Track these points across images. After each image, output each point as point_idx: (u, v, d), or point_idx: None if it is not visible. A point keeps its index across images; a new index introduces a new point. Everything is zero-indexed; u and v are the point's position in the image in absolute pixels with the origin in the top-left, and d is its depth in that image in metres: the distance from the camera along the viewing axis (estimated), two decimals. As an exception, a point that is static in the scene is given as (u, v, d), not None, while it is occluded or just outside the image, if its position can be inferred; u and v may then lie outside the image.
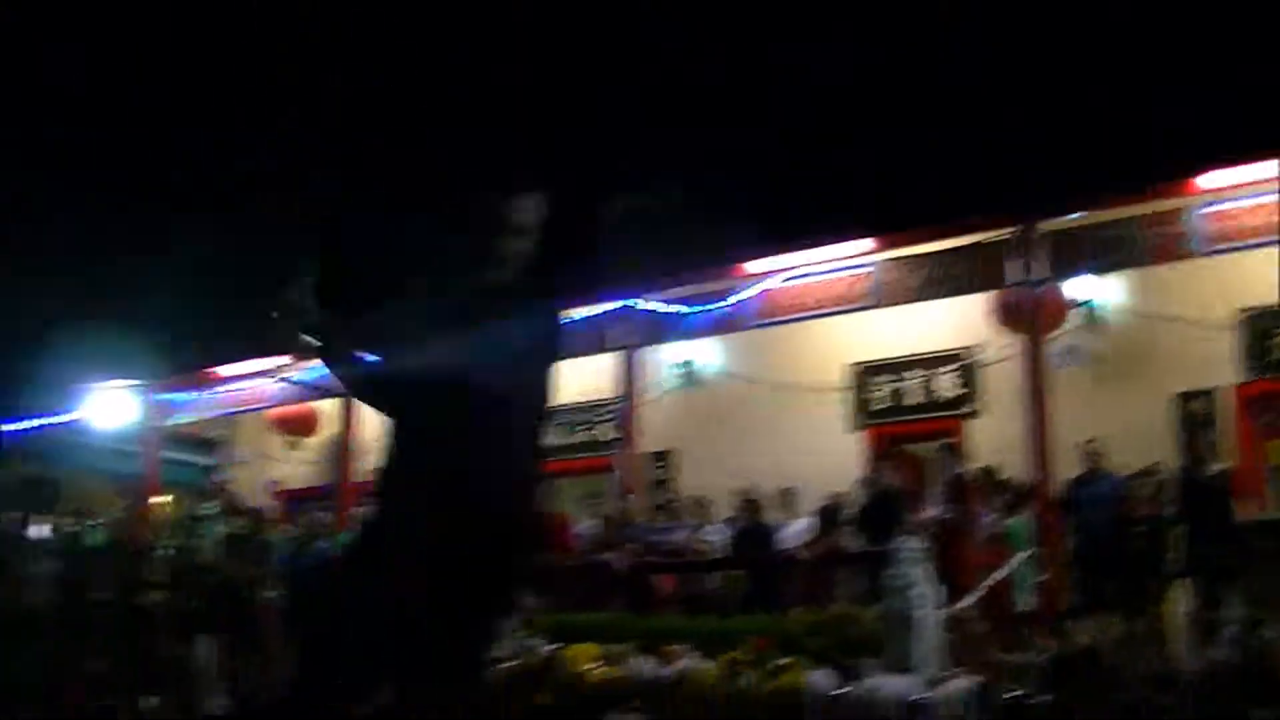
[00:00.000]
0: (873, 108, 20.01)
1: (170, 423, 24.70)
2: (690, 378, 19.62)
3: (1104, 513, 13.90)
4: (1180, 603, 12.89)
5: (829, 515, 15.21)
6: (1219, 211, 14.29)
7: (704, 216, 18.47)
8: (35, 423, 24.72)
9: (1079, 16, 17.42)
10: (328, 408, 22.58)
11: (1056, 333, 15.99)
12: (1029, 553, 13.93)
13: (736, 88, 21.54)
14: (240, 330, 23.02)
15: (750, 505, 15.94)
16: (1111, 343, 16.24)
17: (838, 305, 16.89)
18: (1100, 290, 16.16)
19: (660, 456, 19.72)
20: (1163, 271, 15.07)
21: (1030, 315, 15.18)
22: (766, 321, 17.54)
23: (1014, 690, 10.36)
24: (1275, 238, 13.10)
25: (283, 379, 22.28)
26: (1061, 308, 15.96)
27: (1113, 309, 16.28)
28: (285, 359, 21.64)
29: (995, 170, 15.90)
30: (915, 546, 12.51)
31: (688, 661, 12.60)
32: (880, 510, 14.51)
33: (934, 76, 19.42)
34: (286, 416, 23.66)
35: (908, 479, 15.46)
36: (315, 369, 21.77)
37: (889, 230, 16.10)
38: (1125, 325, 16.19)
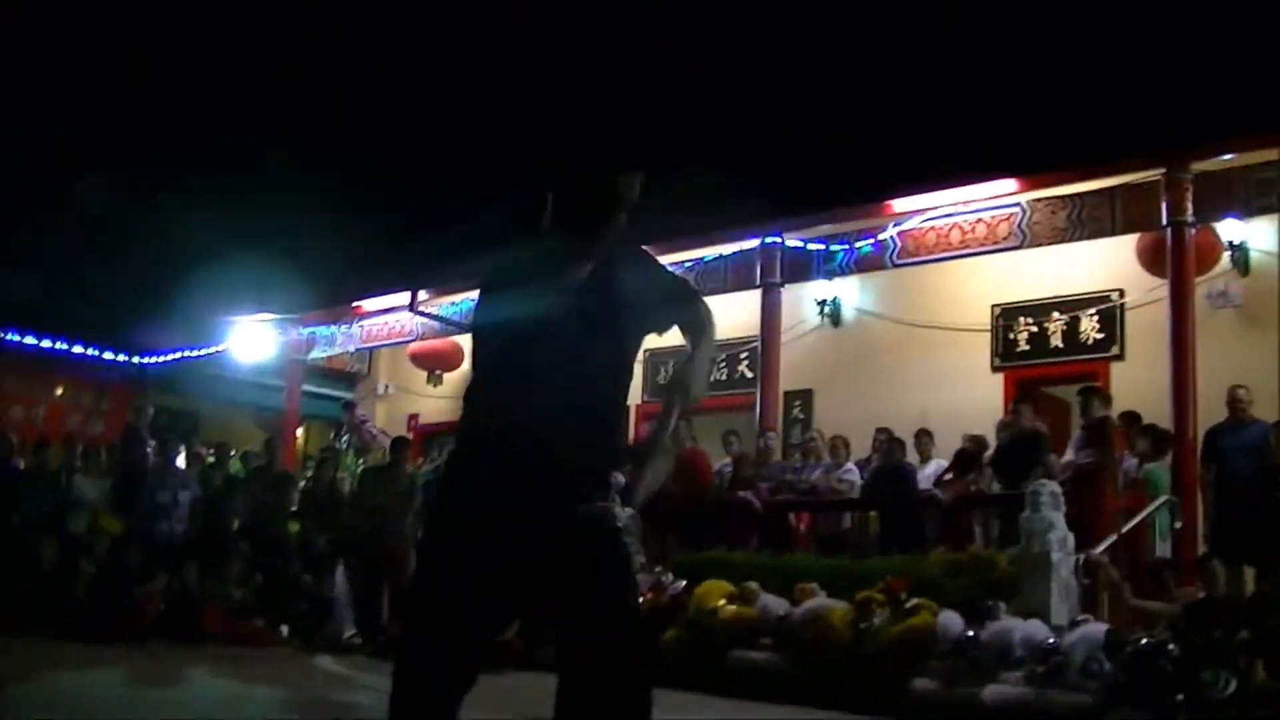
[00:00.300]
0: (1023, 46, 19.72)
1: (311, 356, 25.00)
2: (832, 317, 19.51)
3: (1247, 461, 13.62)
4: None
5: (968, 457, 15.06)
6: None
7: (852, 156, 18.38)
8: (178, 355, 25.10)
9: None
10: (468, 343, 22.78)
11: (1205, 276, 15.71)
12: (1167, 499, 13.74)
13: (877, 29, 21.33)
14: (385, 264, 23.24)
15: (889, 445, 15.83)
16: (1260, 287, 15.89)
17: (982, 246, 16.68)
18: (1250, 234, 15.82)
19: (799, 395, 19.67)
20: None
21: (1178, 257, 14.91)
22: (910, 261, 17.38)
23: (1147, 636, 10.19)
24: None
25: (424, 313, 22.45)
26: (1212, 250, 15.68)
27: (1262, 253, 15.91)
28: (426, 293, 21.84)
29: (1144, 110, 15.59)
30: (1053, 490, 12.37)
31: (818, 601, 12.54)
32: (1019, 453, 14.34)
33: (1081, 14, 19.10)
34: (426, 351, 23.84)
35: (1048, 422, 15.28)
36: (456, 304, 21.99)
37: (1035, 170, 15.86)
38: (1274, 270, 15.83)
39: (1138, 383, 15.96)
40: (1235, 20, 16.62)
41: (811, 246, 18.05)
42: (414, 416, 25.61)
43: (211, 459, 19.73)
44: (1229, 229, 15.66)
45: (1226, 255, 15.88)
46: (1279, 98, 13.54)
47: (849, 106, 21.56)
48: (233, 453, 19.77)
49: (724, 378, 20.81)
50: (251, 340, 24.54)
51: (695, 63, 24.22)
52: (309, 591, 16.54)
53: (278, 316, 24.34)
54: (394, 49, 26.53)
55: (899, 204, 16.91)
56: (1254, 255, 15.89)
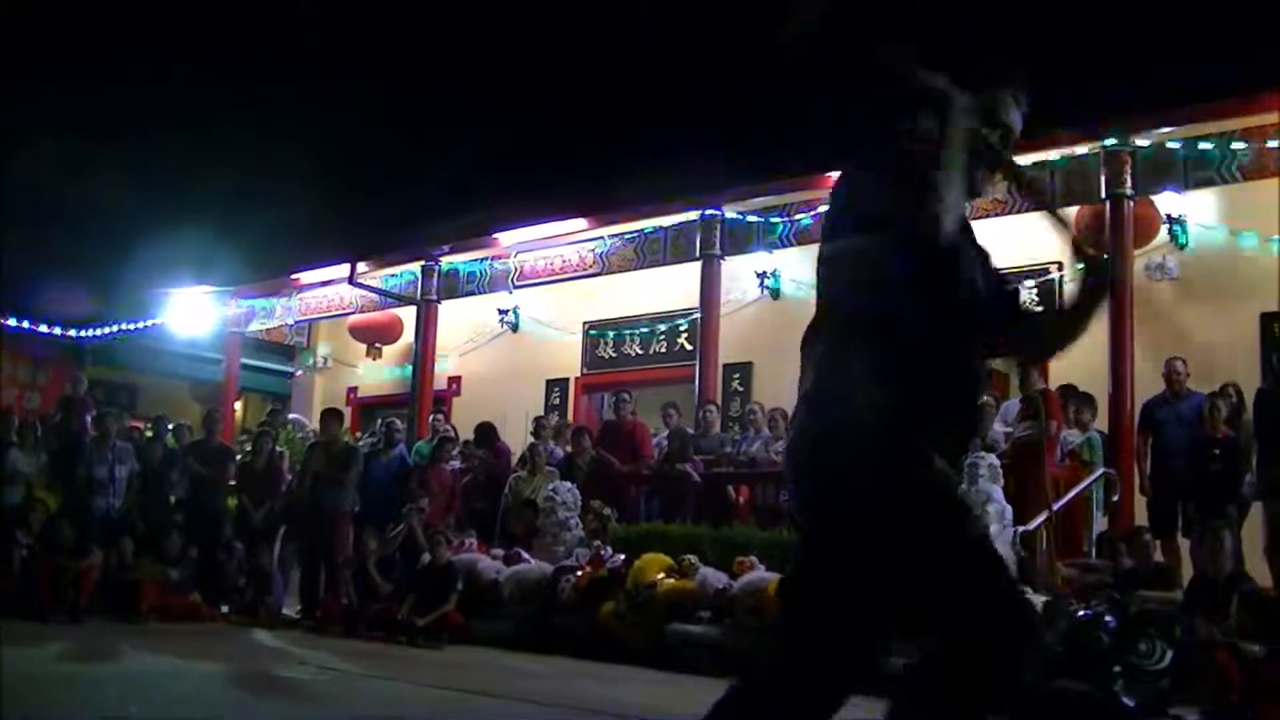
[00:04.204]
0: (963, 16, 19.71)
1: (250, 329, 24.91)
2: (771, 289, 19.51)
3: (1183, 434, 13.72)
4: (1257, 526, 12.71)
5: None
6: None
7: (791, 126, 18.35)
8: (115, 327, 24.93)
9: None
10: (408, 316, 22.76)
11: (1144, 249, 15.78)
12: (1104, 471, 13.80)
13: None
14: (325, 235, 23.14)
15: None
16: (1198, 260, 15.97)
17: (920, 218, 16.66)
18: (1188, 207, 15.89)
19: (738, 368, 19.67)
20: (1253, 189, 14.77)
21: (1117, 230, 14.97)
22: (851, 233, 17.34)
23: (1084, 608, 10.24)
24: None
25: (363, 286, 22.40)
26: (1151, 223, 15.75)
27: (1200, 226, 15.97)
28: (366, 266, 21.79)
29: (1085, 83, 15.63)
30: (991, 463, 12.41)
31: (757, 574, 12.56)
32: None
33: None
34: (366, 324, 23.78)
35: (986, 393, 15.29)
36: (396, 276, 21.94)
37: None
38: (1212, 243, 15.91)
39: (1076, 355, 15.95)
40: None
41: (751, 219, 18.07)
42: (353, 389, 25.58)
43: (149, 433, 19.60)
44: (1167, 202, 15.73)
45: (1165, 228, 15.95)
46: (1217, 72, 13.59)
47: (788, 75, 21.55)
48: (170, 426, 19.61)
49: (663, 350, 20.86)
50: (189, 313, 24.42)
51: (637, 29, 24.17)
52: (247, 566, 16.47)
53: (215, 289, 24.21)
54: (338, 14, 26.35)
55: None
56: (1192, 228, 15.96)
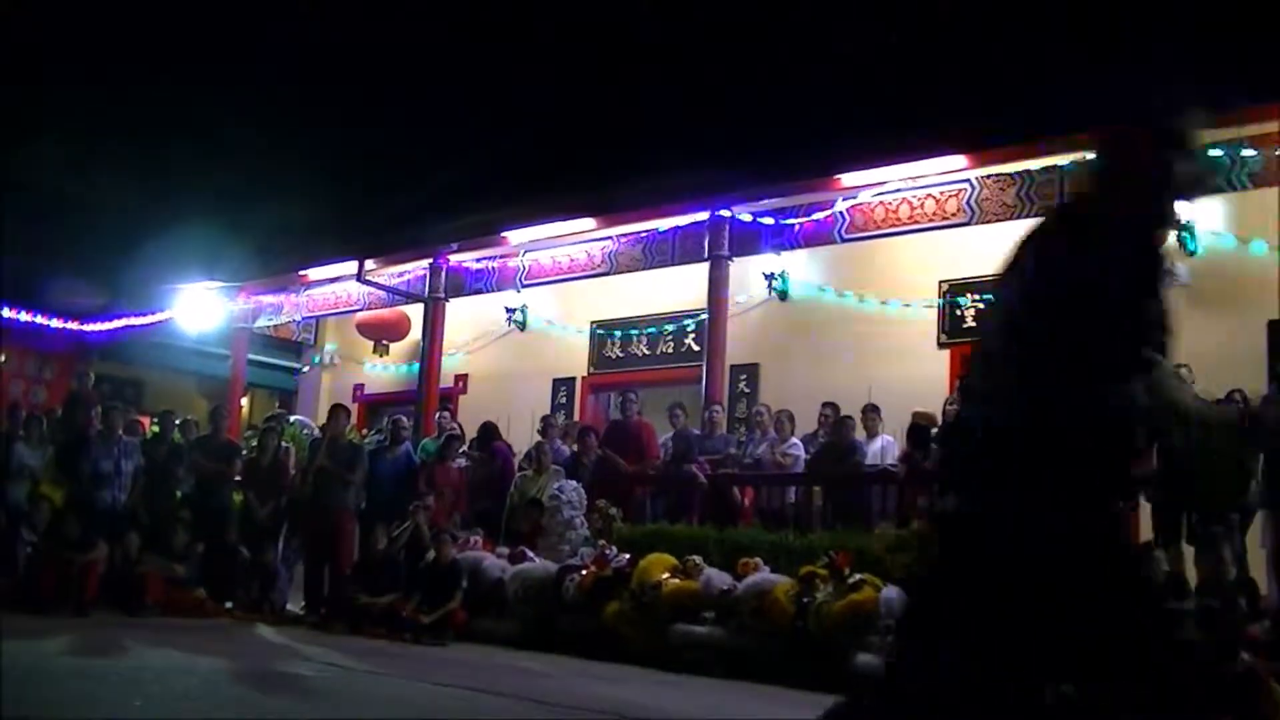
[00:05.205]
0: (973, 22, 19.70)
1: (257, 325, 24.89)
2: (779, 291, 19.48)
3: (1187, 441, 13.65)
4: (1260, 535, 12.67)
5: (918, 434, 15.02)
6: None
7: (800, 129, 18.32)
8: (122, 323, 24.90)
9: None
10: (415, 313, 22.75)
11: (1152, 255, 15.70)
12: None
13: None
14: (333, 232, 23.12)
15: (838, 421, 15.81)
16: (1207, 267, 15.91)
17: (930, 222, 16.68)
18: (1196, 214, 15.84)
19: (745, 369, 19.64)
20: (1262, 197, 14.73)
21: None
22: (858, 236, 17.37)
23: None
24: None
25: (370, 283, 22.38)
26: (1160, 230, 15.66)
27: (1209, 233, 15.92)
28: (373, 263, 21.75)
29: (1094, 87, 15.58)
30: (997, 466, 12.35)
31: (762, 575, 12.55)
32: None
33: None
34: (373, 321, 23.76)
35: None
36: (404, 274, 21.90)
37: (984, 146, 15.85)
38: (1220, 251, 15.85)
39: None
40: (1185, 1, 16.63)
41: (760, 220, 18.03)
42: (359, 386, 25.58)
43: (156, 428, 19.58)
44: (1177, 208, 15.66)
45: (1173, 235, 15.87)
46: (1226, 79, 13.55)
47: (800, 79, 21.53)
48: (176, 421, 19.59)
49: (670, 350, 20.85)
50: (197, 308, 24.40)
51: (647, 32, 24.16)
52: (251, 562, 16.46)
53: (223, 284, 24.20)
54: (345, 12, 26.36)
55: (848, 179, 16.89)
56: (1200, 235, 15.89)
